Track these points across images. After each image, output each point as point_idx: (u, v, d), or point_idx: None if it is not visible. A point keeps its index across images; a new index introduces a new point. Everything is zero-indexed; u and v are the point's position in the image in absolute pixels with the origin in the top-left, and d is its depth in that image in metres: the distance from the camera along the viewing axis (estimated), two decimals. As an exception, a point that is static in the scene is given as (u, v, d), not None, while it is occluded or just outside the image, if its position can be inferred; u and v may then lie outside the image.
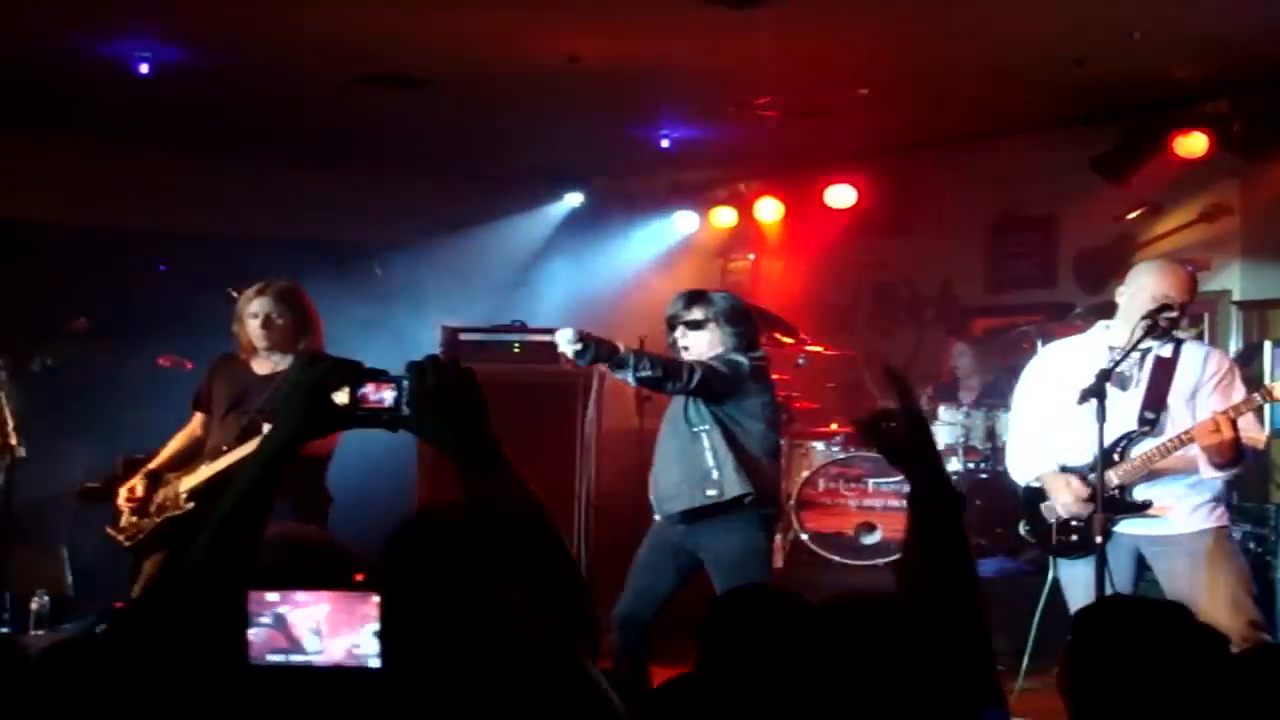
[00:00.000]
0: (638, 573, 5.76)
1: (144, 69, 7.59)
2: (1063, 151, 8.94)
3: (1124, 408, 5.13)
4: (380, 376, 2.35)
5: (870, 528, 8.42)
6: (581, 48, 7.40)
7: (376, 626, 1.60)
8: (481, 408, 2.36)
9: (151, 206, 9.95)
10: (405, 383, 2.32)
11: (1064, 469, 5.30)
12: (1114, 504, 5.10)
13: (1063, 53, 7.38)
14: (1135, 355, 5.14)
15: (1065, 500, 5.22)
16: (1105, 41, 7.16)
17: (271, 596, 1.62)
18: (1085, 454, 5.14)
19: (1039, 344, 8.31)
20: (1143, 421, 5.13)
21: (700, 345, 5.67)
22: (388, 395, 2.33)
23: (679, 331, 5.70)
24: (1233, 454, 4.91)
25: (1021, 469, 5.51)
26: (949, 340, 9.61)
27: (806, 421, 9.20)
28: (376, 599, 1.60)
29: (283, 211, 10.22)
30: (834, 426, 9.02)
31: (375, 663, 1.63)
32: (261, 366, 5.93)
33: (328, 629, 1.64)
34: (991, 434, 8.32)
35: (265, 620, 1.62)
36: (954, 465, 8.37)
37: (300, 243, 10.06)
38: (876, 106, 8.33)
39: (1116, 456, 5.13)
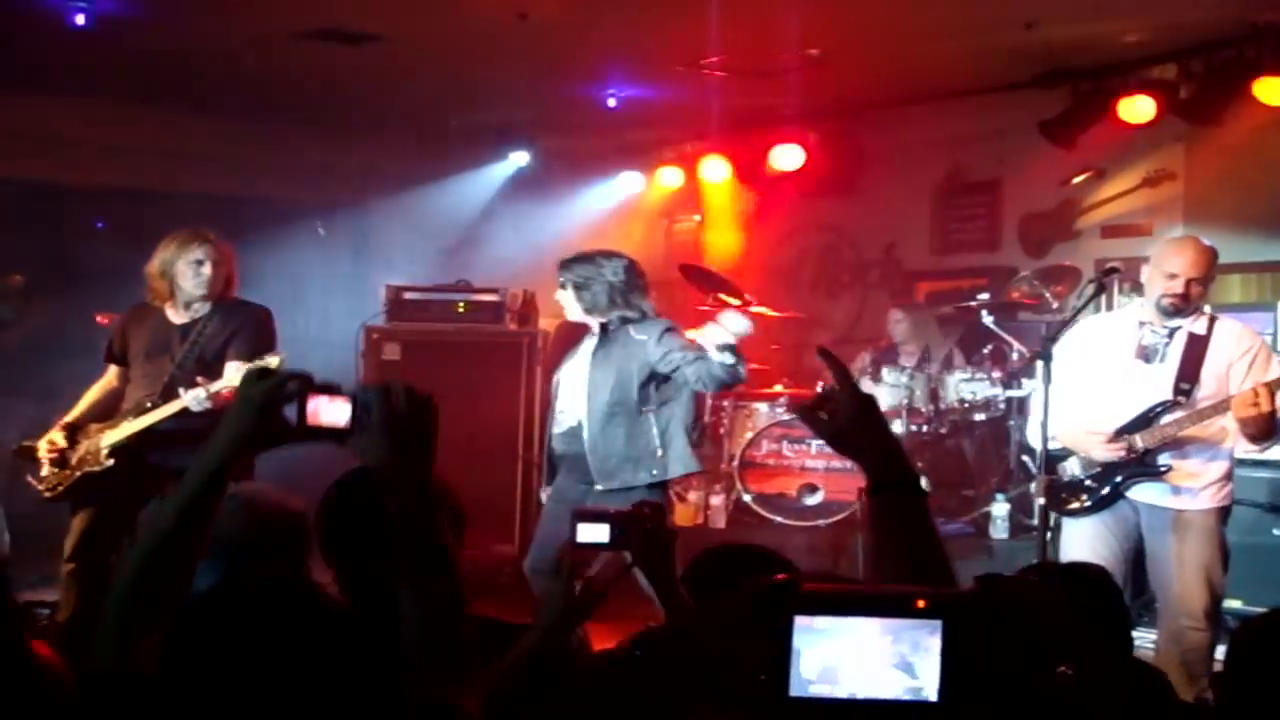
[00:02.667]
0: (545, 523, 5.90)
1: (80, 20, 7.43)
2: (1010, 115, 8.95)
3: (1153, 379, 5.30)
4: (333, 391, 2.26)
5: (813, 489, 8.44)
6: (530, 4, 7.31)
7: (938, 657, 1.46)
8: (430, 439, 2.26)
9: (89, 162, 9.78)
10: (358, 400, 2.24)
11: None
12: (1136, 465, 5.29)
13: (1013, 16, 7.37)
14: (1163, 330, 5.30)
15: (1098, 451, 5.33)
16: (1055, 5, 7.15)
17: (820, 622, 1.49)
18: (1112, 421, 5.33)
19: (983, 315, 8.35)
20: (1177, 392, 5.26)
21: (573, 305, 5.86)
22: (340, 413, 2.24)
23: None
24: (1269, 427, 5.04)
25: (1043, 433, 5.54)
26: (888, 305, 9.62)
27: (750, 383, 9.17)
28: (939, 627, 1.46)
29: (225, 168, 10.07)
30: (778, 388, 9.01)
31: (933, 696, 1.49)
32: (179, 316, 5.89)
33: (881, 660, 1.49)
34: (934, 396, 8.35)
35: (808, 649, 1.49)
36: (897, 427, 8.38)
37: (243, 200, 9.95)
38: (825, 67, 8.29)
39: (1148, 423, 5.31)
